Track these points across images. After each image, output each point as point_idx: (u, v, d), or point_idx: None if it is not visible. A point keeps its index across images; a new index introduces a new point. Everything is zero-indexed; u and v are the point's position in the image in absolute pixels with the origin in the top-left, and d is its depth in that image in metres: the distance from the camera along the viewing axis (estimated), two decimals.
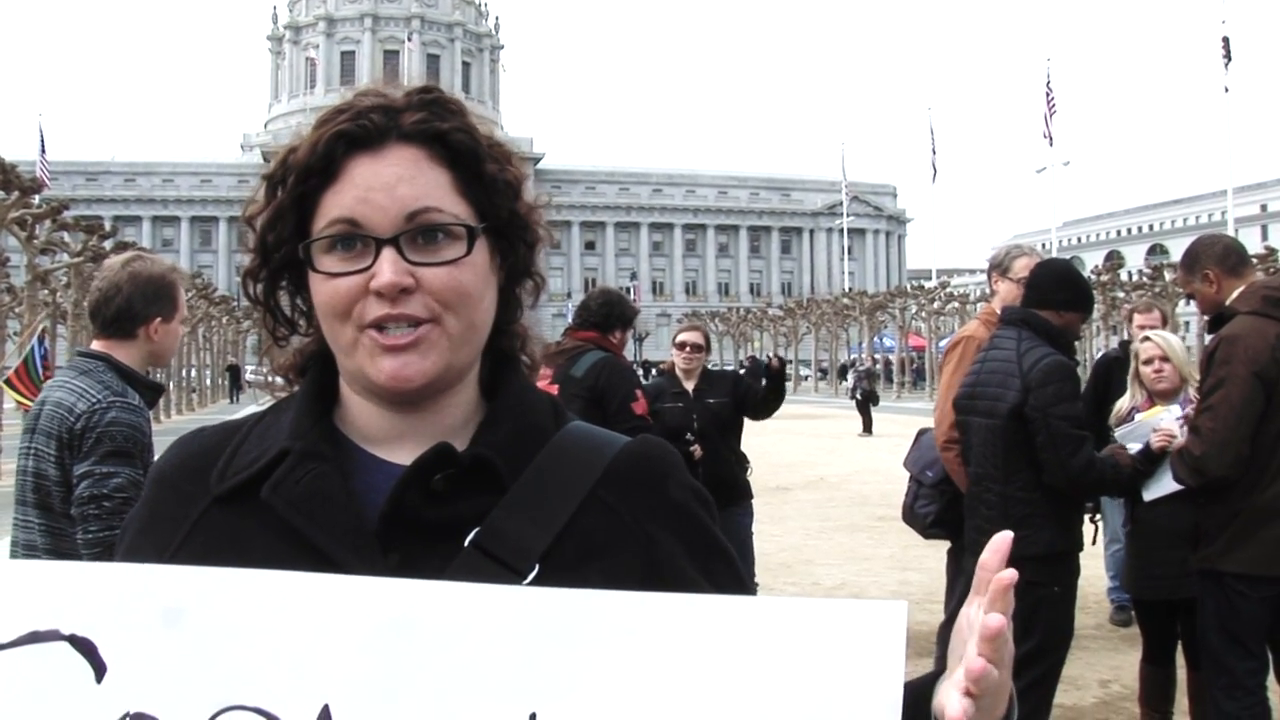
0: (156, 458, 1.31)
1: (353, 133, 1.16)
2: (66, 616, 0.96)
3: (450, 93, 1.25)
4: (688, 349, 7.03)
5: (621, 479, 1.22)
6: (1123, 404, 5.55)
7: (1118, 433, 5.17)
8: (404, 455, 1.20)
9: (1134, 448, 5.05)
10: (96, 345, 3.63)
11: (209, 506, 1.19)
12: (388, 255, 1.14)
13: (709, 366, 7.34)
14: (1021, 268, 5.74)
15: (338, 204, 1.16)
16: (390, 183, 1.15)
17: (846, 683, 0.95)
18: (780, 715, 0.95)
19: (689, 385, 6.98)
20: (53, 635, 0.96)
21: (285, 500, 1.15)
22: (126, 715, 0.95)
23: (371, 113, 1.17)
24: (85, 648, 0.96)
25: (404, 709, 0.95)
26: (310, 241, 1.17)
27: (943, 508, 5.75)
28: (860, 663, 0.95)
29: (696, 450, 6.47)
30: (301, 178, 1.18)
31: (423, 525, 1.13)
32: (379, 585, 0.99)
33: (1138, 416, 5.22)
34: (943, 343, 7.55)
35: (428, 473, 1.15)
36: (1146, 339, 5.60)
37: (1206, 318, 4.81)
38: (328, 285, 1.16)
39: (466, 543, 1.12)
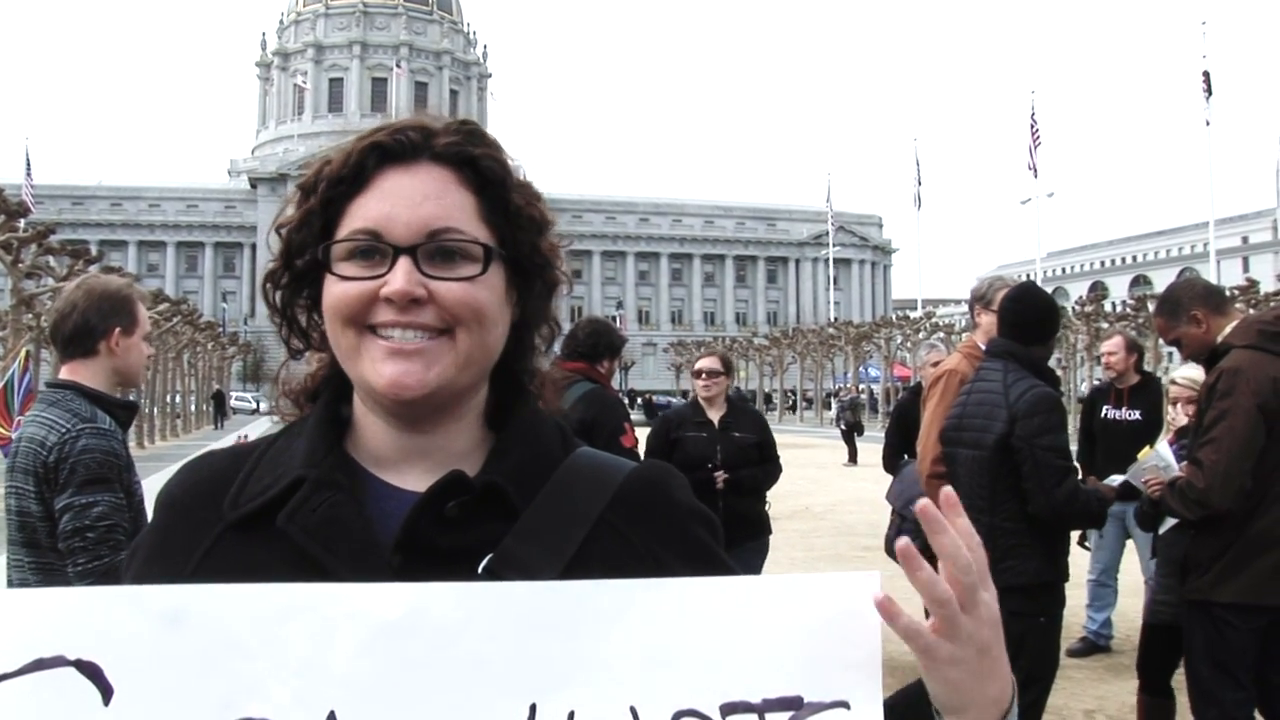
0: (165, 481, 1.30)
1: (387, 145, 1.20)
2: (71, 641, 0.97)
3: (490, 133, 1.28)
4: (704, 376, 6.82)
5: (630, 504, 1.24)
6: (1163, 438, 5.62)
7: (1130, 471, 5.21)
8: (414, 481, 1.21)
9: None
10: (63, 372, 3.58)
11: (223, 533, 1.20)
12: (403, 264, 1.16)
13: (731, 395, 7.05)
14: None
15: (362, 213, 1.18)
16: (416, 198, 1.18)
17: (830, 650, 1.02)
18: (768, 685, 1.01)
19: (713, 415, 6.78)
20: (58, 661, 0.96)
21: (301, 528, 1.16)
22: None
23: (409, 130, 1.21)
24: (91, 671, 0.96)
25: (407, 710, 0.98)
26: (331, 243, 1.19)
27: (925, 543, 5.74)
28: (841, 630, 1.02)
29: (719, 478, 6.35)
30: (332, 184, 1.21)
31: (436, 552, 1.14)
32: (376, 590, 1.01)
33: (1139, 456, 5.28)
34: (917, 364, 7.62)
35: (441, 500, 1.17)
36: (1174, 381, 5.66)
37: (1201, 359, 4.84)
38: (339, 287, 1.18)
39: (480, 569, 1.13)
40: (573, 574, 1.13)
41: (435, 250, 1.17)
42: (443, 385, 1.18)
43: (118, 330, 3.57)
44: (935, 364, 6.84)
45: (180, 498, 1.27)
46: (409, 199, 1.18)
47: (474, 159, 1.22)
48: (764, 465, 6.83)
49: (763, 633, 1.02)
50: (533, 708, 0.99)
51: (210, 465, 1.30)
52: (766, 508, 6.94)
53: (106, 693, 0.97)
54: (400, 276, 1.15)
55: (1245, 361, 4.33)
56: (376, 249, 1.17)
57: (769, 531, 6.92)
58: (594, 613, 1.02)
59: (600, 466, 1.28)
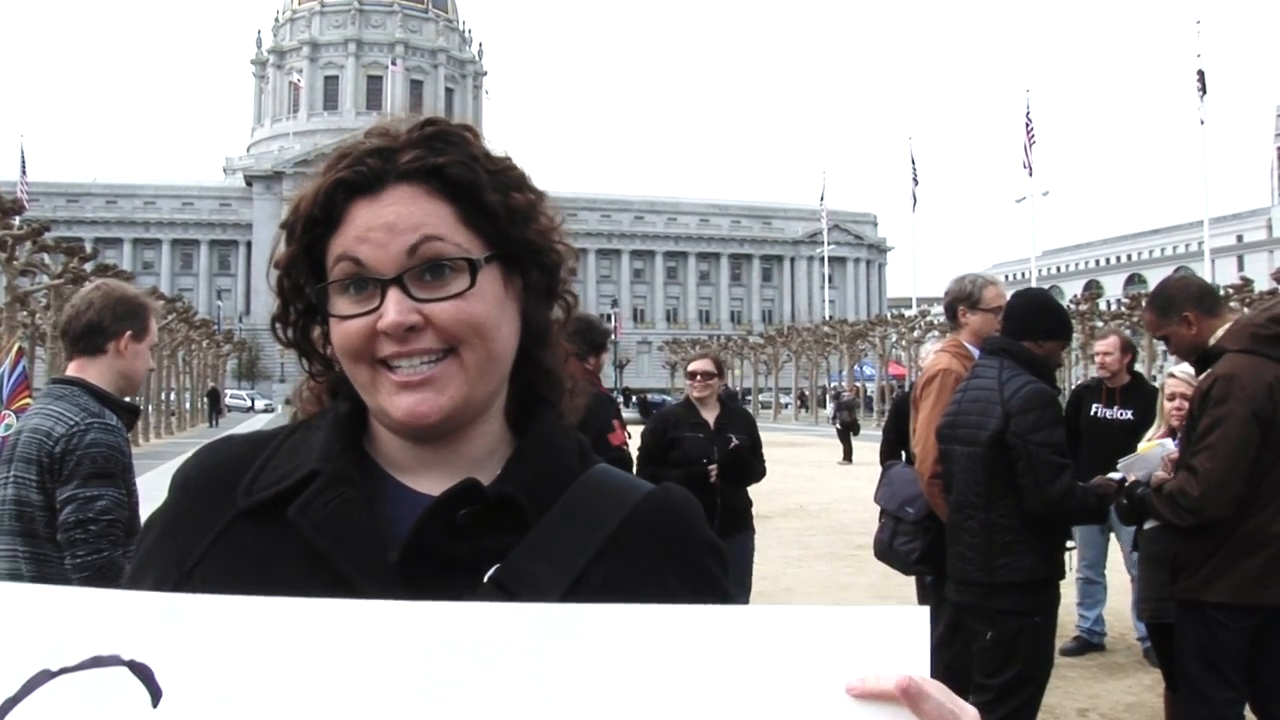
0: (182, 462, 1.31)
1: (351, 180, 1.17)
2: (126, 642, 0.99)
3: (456, 122, 1.25)
4: (698, 378, 7.10)
5: (642, 527, 1.22)
6: (1151, 434, 5.58)
7: (1120, 463, 5.19)
8: (431, 485, 1.20)
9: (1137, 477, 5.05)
10: (70, 369, 3.62)
11: (234, 519, 1.19)
12: (393, 296, 1.14)
13: (721, 395, 7.37)
14: (992, 297, 5.75)
15: (341, 245, 1.17)
16: (390, 221, 1.16)
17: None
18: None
19: (708, 416, 7.04)
20: (114, 660, 0.98)
21: (311, 523, 1.15)
22: None
23: (368, 157, 1.18)
24: (143, 673, 0.98)
25: None
26: (321, 286, 1.19)
27: (927, 544, 5.71)
28: (880, 666, 0.96)
29: (713, 472, 6.68)
30: (307, 226, 1.20)
31: (444, 558, 1.13)
32: (415, 609, 1.01)
33: (1138, 448, 5.25)
34: (922, 358, 7.54)
35: (453, 507, 1.16)
36: (1171, 375, 5.63)
37: (1190, 359, 4.84)
38: (340, 328, 1.18)
39: (485, 579, 1.12)
40: (577, 592, 1.12)
41: (423, 270, 1.16)
42: (459, 405, 1.18)
43: (128, 334, 3.62)
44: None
45: (195, 480, 1.26)
46: (383, 224, 1.16)
47: (439, 169, 1.19)
48: (751, 460, 7.22)
49: (799, 670, 0.97)
50: None
51: (227, 450, 1.29)
52: (750, 502, 7.35)
53: (156, 695, 0.98)
54: (391, 309, 1.14)
55: (1240, 367, 4.30)
56: (366, 280, 1.16)
57: (752, 528, 7.32)
58: (619, 639, 0.99)
59: (616, 486, 1.26)
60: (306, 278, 1.22)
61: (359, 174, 1.18)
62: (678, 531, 1.26)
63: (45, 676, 0.98)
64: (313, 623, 1.00)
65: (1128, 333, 7.78)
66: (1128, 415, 7.76)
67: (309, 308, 1.25)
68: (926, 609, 0.99)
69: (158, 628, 1.00)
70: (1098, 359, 8.16)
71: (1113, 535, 8.19)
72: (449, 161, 1.19)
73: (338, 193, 1.18)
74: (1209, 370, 4.46)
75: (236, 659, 1.00)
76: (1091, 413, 8.00)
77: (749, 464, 7.17)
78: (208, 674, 0.99)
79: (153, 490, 1.56)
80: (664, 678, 0.98)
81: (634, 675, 0.98)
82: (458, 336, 1.16)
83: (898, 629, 0.98)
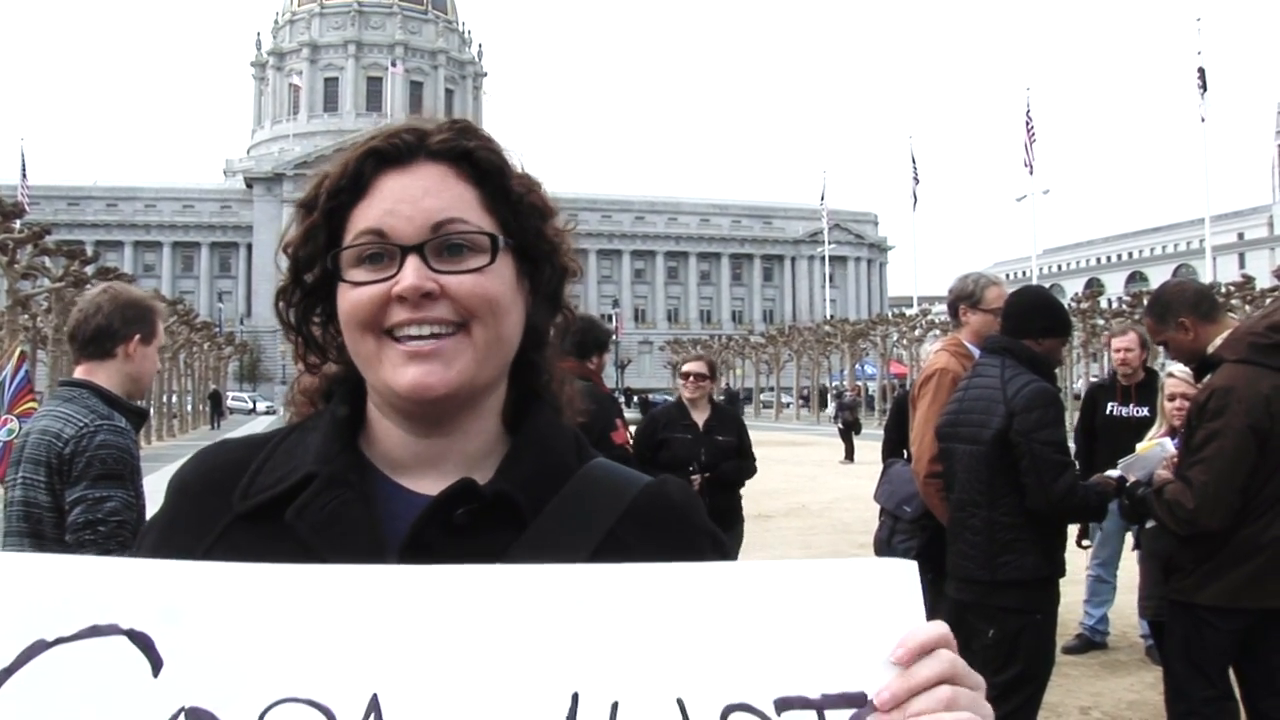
0: (178, 466, 1.31)
1: (383, 149, 1.20)
2: (125, 611, 0.98)
3: (483, 129, 1.28)
4: (691, 379, 7.28)
5: (641, 520, 1.22)
6: (1152, 433, 5.58)
7: (1120, 463, 5.19)
8: (427, 484, 1.21)
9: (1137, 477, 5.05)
10: (78, 372, 3.63)
11: (231, 523, 1.20)
12: (411, 262, 1.16)
13: (713, 397, 7.57)
14: (994, 298, 5.76)
15: (365, 216, 1.19)
16: (416, 195, 1.18)
17: (887, 641, 0.99)
18: (826, 679, 0.98)
19: (699, 417, 7.22)
20: (112, 629, 0.98)
21: (309, 525, 1.16)
22: (182, 709, 0.97)
23: (403, 133, 1.22)
24: (142, 642, 0.97)
25: (449, 695, 0.97)
26: (339, 250, 1.20)
27: (924, 542, 5.72)
28: (885, 616, 0.99)
29: (697, 480, 6.80)
30: (333, 194, 1.21)
31: (442, 558, 1.12)
32: (419, 573, 1.01)
33: (1137, 448, 5.25)
34: (923, 358, 7.44)
35: (450, 506, 1.16)
36: (1171, 375, 5.63)
37: (1190, 364, 4.84)
38: (352, 293, 1.18)
39: None
40: None
41: (442, 245, 1.17)
42: (465, 382, 1.18)
43: (137, 338, 3.64)
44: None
45: (192, 484, 1.27)
46: (410, 198, 1.18)
47: (469, 152, 1.22)
48: (741, 461, 7.38)
49: (808, 617, 0.99)
50: (575, 697, 0.97)
51: (224, 453, 1.29)
52: (740, 499, 7.54)
53: (156, 664, 0.97)
54: (410, 273, 1.15)
55: (1237, 379, 4.29)
56: (384, 251, 1.18)
57: (742, 521, 7.48)
58: (636, 598, 0.99)
59: (613, 480, 1.27)
60: (323, 247, 1.23)
61: (392, 145, 1.21)
62: (676, 523, 1.26)
63: (41, 646, 0.97)
64: (314, 590, 1.00)
65: (1143, 329, 7.59)
66: (1144, 412, 7.67)
67: (315, 286, 1.25)
68: (914, 563, 1.01)
69: (156, 597, 0.99)
70: (1118, 355, 8.06)
71: (1129, 535, 8.16)
72: (478, 146, 1.23)
73: (368, 161, 1.21)
74: (1207, 379, 4.45)
75: (238, 627, 0.98)
76: (1107, 411, 7.95)
77: (740, 468, 7.33)
78: (209, 643, 0.98)
79: (154, 492, 1.56)
80: (671, 634, 0.99)
81: (625, 631, 0.98)
82: (472, 310, 1.17)
83: (890, 580, 1.00)
